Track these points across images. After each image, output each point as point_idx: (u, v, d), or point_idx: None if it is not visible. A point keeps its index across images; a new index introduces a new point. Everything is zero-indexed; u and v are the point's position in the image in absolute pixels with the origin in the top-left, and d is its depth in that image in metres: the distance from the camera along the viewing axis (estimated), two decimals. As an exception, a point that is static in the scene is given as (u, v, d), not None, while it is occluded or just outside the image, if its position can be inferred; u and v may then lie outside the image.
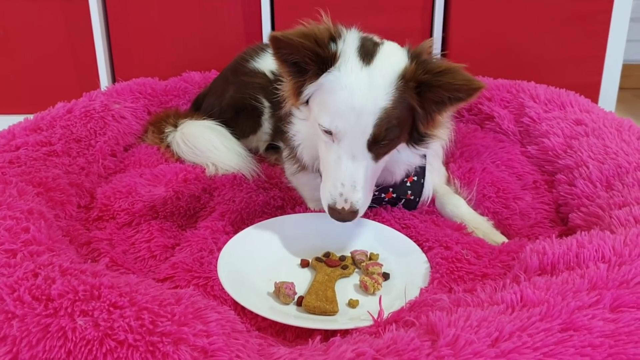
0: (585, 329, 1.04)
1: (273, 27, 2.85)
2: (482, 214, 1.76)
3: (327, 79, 1.46)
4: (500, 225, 1.74)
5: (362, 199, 1.45)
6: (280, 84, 1.65)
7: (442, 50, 2.87)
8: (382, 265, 1.47)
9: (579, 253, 1.25)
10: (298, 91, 1.53)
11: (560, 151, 1.89)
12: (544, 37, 2.80)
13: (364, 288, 1.40)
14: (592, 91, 2.82)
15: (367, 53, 1.47)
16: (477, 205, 1.81)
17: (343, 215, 1.44)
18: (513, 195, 1.82)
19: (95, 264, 1.31)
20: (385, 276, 1.45)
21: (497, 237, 1.64)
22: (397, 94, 1.43)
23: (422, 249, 1.52)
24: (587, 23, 2.76)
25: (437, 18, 2.79)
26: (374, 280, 1.39)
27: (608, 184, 1.64)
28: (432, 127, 1.53)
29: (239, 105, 2.14)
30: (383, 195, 1.73)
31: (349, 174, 1.44)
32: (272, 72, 2.12)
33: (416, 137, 1.55)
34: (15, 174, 1.68)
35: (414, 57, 1.48)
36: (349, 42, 1.49)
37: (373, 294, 1.39)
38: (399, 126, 1.46)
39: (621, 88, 2.97)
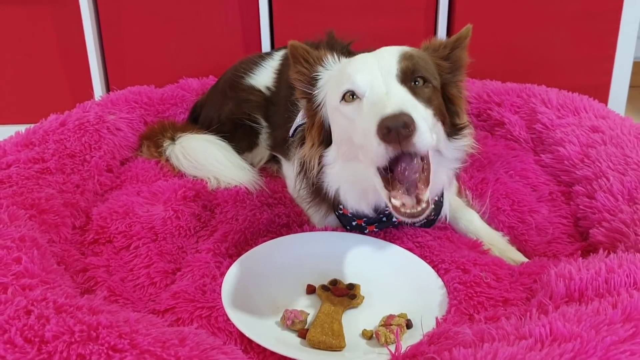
0: (623, 367, 0.96)
1: (272, 32, 2.76)
2: (496, 229, 1.69)
3: (328, 74, 1.51)
4: (516, 240, 1.66)
5: (417, 119, 1.22)
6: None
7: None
8: (405, 315, 1.33)
9: (608, 278, 1.18)
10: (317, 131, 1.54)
11: (577, 161, 1.81)
12: (552, 37, 2.70)
13: (376, 338, 1.27)
14: (601, 91, 2.74)
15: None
16: (491, 219, 1.73)
17: (397, 120, 1.19)
18: (528, 208, 1.74)
19: (92, 297, 1.23)
20: (409, 325, 1.30)
21: (514, 255, 1.57)
22: (416, 52, 1.46)
23: (437, 271, 1.44)
24: (597, 22, 2.67)
25: (441, 19, 2.70)
26: (389, 331, 1.26)
27: (631, 197, 1.55)
28: (462, 97, 1.54)
29: (238, 121, 2.07)
30: None
31: (389, 100, 1.27)
32: (268, 88, 2.08)
33: (452, 126, 1.51)
34: (6, 195, 1.60)
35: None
36: None
37: (385, 343, 1.24)
38: (429, 74, 1.42)
39: (630, 86, 2.89)
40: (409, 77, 1.37)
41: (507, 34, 2.71)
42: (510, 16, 2.68)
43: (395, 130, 1.20)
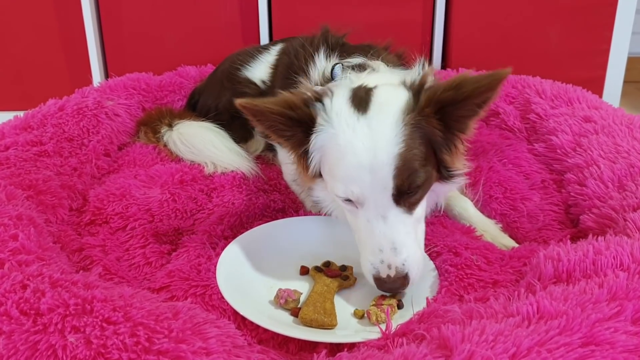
0: (607, 343, 0.98)
1: (270, 20, 2.77)
2: (489, 216, 1.71)
3: (321, 139, 1.33)
4: (508, 228, 1.68)
5: (408, 259, 1.27)
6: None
7: (443, 44, 2.80)
8: (397, 296, 1.34)
9: (595, 260, 1.20)
10: (306, 165, 1.41)
11: (569, 149, 1.83)
12: (548, 30, 2.73)
13: (367, 317, 1.29)
14: (596, 85, 2.76)
15: (360, 101, 1.32)
16: (484, 206, 1.75)
17: (391, 284, 1.27)
18: (521, 196, 1.76)
19: (88, 274, 1.25)
20: (400, 305, 1.32)
21: (506, 241, 1.59)
22: (408, 130, 1.27)
23: (429, 254, 1.46)
24: (592, 16, 2.69)
25: (439, 10, 2.72)
26: (380, 310, 1.27)
27: (620, 185, 1.58)
28: (457, 153, 1.40)
29: (234, 112, 2.08)
30: None
31: (384, 237, 1.28)
32: (263, 82, 2.09)
33: (445, 174, 1.40)
34: (4, 176, 1.61)
35: (417, 87, 1.33)
36: (338, 95, 1.35)
37: (377, 322, 1.25)
38: (424, 167, 1.29)
39: (624, 81, 2.91)
40: (405, 192, 1.29)
41: (503, 25, 2.73)
42: (507, 8, 2.70)
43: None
